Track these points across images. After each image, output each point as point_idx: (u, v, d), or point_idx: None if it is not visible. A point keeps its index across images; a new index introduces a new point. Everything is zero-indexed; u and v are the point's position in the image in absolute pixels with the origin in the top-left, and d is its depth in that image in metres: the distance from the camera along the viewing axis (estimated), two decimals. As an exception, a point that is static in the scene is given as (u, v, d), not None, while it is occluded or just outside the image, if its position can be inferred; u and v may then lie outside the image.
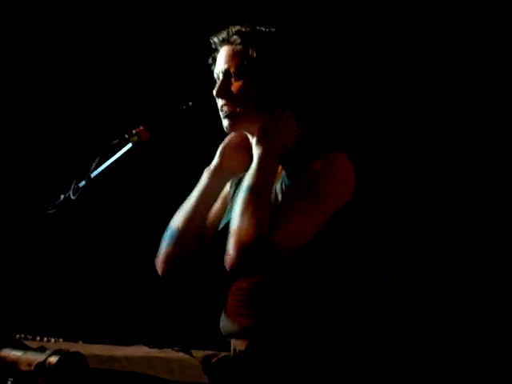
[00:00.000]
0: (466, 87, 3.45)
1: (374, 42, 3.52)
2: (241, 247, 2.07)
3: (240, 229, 2.07)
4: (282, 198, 2.17)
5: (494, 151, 3.42)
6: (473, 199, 3.43)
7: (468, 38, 3.41)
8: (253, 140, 2.27)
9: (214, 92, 2.25)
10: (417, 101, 3.51)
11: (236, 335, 2.19)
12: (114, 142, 2.17)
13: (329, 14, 3.51)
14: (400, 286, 3.44)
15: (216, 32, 2.27)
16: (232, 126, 2.26)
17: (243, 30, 2.24)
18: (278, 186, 2.23)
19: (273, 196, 2.21)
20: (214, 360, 1.99)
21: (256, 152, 2.18)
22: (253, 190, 2.10)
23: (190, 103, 2.26)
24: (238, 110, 2.23)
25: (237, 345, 2.20)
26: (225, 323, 2.26)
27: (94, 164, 2.14)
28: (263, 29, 2.26)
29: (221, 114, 2.27)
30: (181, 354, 1.94)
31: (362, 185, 2.21)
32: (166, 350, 1.95)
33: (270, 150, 2.16)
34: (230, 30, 2.25)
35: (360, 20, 3.52)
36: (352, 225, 2.20)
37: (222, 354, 2.05)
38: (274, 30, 2.27)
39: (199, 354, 2.00)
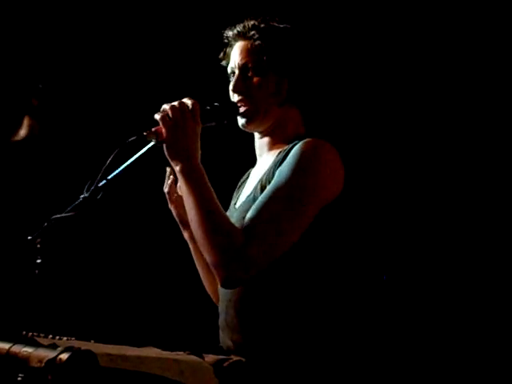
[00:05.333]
0: (463, 85, 3.44)
1: (374, 41, 3.52)
2: (217, 269, 2.01)
3: (209, 254, 2.02)
4: (260, 198, 2.06)
5: (492, 148, 3.40)
6: (472, 198, 3.41)
7: (468, 38, 3.39)
8: (258, 140, 2.26)
9: (231, 87, 2.21)
10: (415, 99, 3.50)
11: (234, 351, 2.13)
12: (131, 139, 2.08)
13: (328, 12, 3.51)
14: (400, 286, 3.42)
15: (229, 26, 2.24)
16: (249, 124, 2.21)
17: (259, 25, 2.19)
18: (265, 176, 2.17)
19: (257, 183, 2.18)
20: (225, 364, 1.97)
21: (178, 176, 2.09)
22: (198, 214, 2.01)
23: (216, 104, 2.19)
24: (254, 106, 2.18)
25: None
26: (222, 339, 2.21)
27: (108, 162, 2.09)
28: (278, 24, 2.22)
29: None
30: (193, 357, 1.92)
31: (353, 175, 2.12)
32: (177, 352, 1.94)
33: (185, 166, 2.04)
34: (245, 24, 2.20)
35: (361, 19, 3.52)
36: (343, 220, 2.12)
37: (235, 358, 2.03)
38: (288, 26, 2.23)
39: (211, 357, 1.98)
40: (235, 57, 2.22)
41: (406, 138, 3.50)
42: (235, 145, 2.82)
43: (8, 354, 1.74)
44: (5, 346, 1.76)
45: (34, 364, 1.68)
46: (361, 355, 3.19)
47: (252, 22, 2.21)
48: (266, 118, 2.20)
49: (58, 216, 2.11)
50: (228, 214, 2.28)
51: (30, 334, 1.93)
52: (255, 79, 2.18)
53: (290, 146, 2.13)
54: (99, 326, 3.41)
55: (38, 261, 2.28)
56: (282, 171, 2.07)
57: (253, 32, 2.19)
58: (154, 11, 3.73)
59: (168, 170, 2.35)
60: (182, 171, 2.04)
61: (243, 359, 2.05)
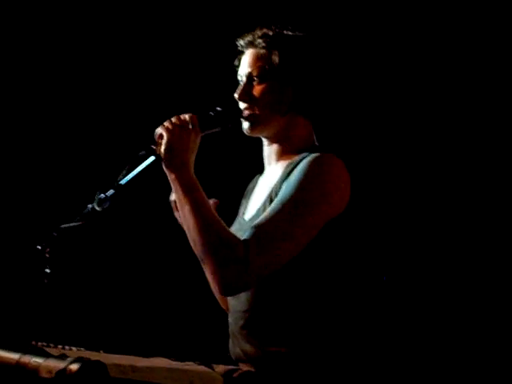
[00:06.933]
0: (464, 89, 3.43)
1: (384, 49, 3.50)
2: (215, 276, 2.00)
3: (206, 261, 2.01)
4: (264, 214, 2.07)
5: (493, 151, 3.39)
6: (472, 199, 3.40)
7: (468, 38, 3.38)
8: (266, 147, 2.26)
9: (236, 95, 2.22)
10: (422, 106, 3.49)
11: (244, 361, 2.12)
12: (141, 153, 2.12)
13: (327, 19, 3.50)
14: (400, 286, 3.41)
15: (242, 34, 2.25)
16: (251, 129, 2.22)
17: (269, 33, 2.21)
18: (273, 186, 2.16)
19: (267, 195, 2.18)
20: (235, 374, 1.97)
21: (171, 184, 2.11)
22: (195, 223, 2.02)
23: (219, 108, 2.20)
24: (257, 113, 2.19)
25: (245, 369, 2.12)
26: (231, 348, 2.20)
27: (121, 175, 2.10)
28: (289, 32, 2.23)
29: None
30: (202, 367, 1.92)
31: (358, 186, 2.11)
32: (187, 362, 1.93)
33: (179, 176, 2.06)
34: (256, 32, 2.22)
35: (370, 26, 3.51)
36: (348, 234, 2.12)
37: (244, 368, 2.03)
38: (300, 34, 2.24)
39: (221, 368, 1.98)
40: (244, 65, 2.24)
41: (413, 149, 3.48)
42: (243, 149, 2.81)
43: (17, 364, 1.73)
44: (14, 356, 1.75)
45: (44, 375, 1.68)
46: (372, 361, 3.18)
47: (263, 31, 2.22)
48: (269, 125, 2.21)
49: (67, 225, 2.11)
50: (237, 224, 2.29)
51: (40, 344, 1.93)
52: (258, 87, 2.20)
53: (299, 158, 2.14)
54: (108, 337, 3.41)
55: (47, 270, 2.28)
56: (288, 186, 2.08)
57: (260, 40, 2.21)
58: (161, 14, 3.73)
59: None
60: (177, 181, 2.06)
61: (253, 369, 2.05)
